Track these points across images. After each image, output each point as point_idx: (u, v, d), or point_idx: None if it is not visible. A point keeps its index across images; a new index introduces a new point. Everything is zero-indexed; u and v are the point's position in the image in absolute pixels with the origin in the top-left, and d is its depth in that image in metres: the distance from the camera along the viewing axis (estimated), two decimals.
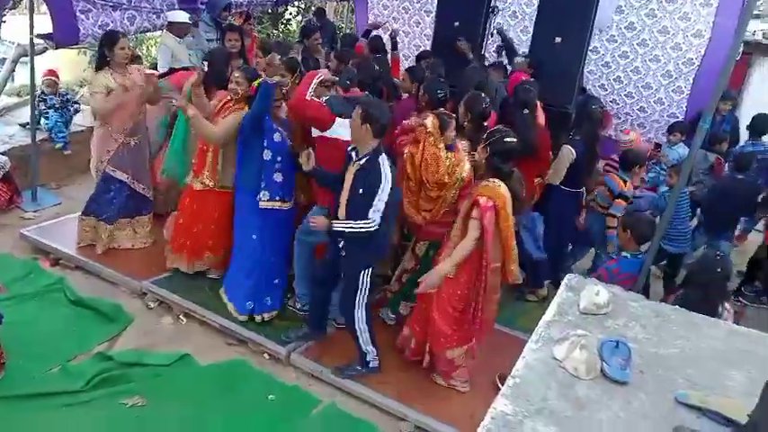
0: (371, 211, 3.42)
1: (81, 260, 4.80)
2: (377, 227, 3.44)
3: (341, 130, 3.81)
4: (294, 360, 4.00)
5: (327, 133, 3.91)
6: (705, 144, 5.89)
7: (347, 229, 3.50)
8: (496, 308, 3.68)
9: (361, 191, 3.46)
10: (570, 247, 5.15)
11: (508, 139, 3.39)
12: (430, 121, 3.77)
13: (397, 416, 3.65)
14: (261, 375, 3.88)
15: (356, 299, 3.71)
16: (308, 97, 3.85)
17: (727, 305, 3.22)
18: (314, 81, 3.90)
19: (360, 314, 3.75)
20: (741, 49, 3.89)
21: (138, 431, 3.36)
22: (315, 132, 4.02)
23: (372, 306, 3.93)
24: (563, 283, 2.45)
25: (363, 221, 3.44)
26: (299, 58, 4.98)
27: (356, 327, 3.78)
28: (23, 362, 3.67)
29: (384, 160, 3.48)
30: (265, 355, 4.06)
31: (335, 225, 3.52)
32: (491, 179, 3.39)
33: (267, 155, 4.04)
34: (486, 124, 4.06)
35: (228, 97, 4.29)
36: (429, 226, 3.95)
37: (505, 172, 3.41)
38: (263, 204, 4.10)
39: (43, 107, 6.19)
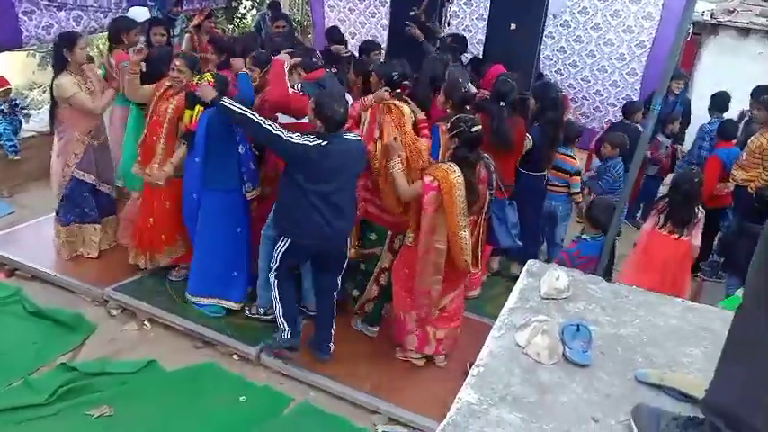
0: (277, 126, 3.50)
1: (38, 270, 4.66)
2: (268, 128, 3.47)
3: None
4: (264, 360, 3.97)
5: (305, 119, 3.84)
6: (657, 127, 6.05)
7: (234, 108, 3.53)
8: (439, 288, 3.63)
9: None
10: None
11: (475, 129, 3.42)
12: (407, 108, 3.85)
13: (370, 409, 3.66)
14: (231, 377, 3.85)
15: (270, 267, 3.78)
16: (290, 91, 3.81)
17: (700, 207, 4.06)
18: (285, 71, 3.87)
19: (273, 283, 3.80)
20: (690, 30, 3.99)
21: None
22: (286, 119, 3.95)
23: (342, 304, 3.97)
24: (524, 269, 2.48)
25: (260, 117, 3.53)
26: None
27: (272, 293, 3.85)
28: None
29: (318, 143, 3.46)
30: (234, 356, 4.02)
31: (225, 100, 3.57)
32: (448, 162, 3.43)
33: (242, 149, 4.06)
34: (468, 108, 4.12)
35: (168, 84, 4.24)
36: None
37: (470, 161, 3.43)
38: (249, 196, 4.17)
39: None
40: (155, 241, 4.51)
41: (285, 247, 3.69)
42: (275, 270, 3.77)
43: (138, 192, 4.83)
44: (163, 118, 4.18)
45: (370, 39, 7.25)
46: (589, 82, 6.96)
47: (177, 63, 4.13)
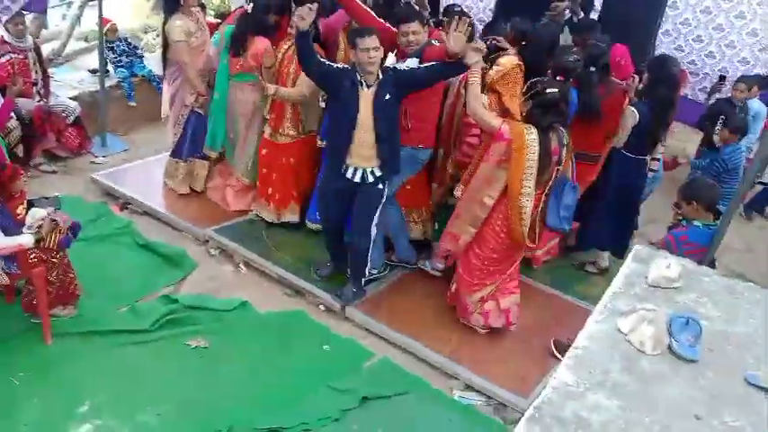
0: None
1: (147, 206, 4.98)
2: None
3: None
4: (349, 313, 4.07)
5: None
6: None
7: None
8: (468, 239, 3.65)
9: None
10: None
11: (550, 90, 3.32)
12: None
13: (449, 374, 3.69)
14: (317, 326, 3.98)
15: (374, 217, 3.88)
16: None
17: None
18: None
19: (374, 233, 3.94)
20: None
21: (201, 371, 3.53)
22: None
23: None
24: (631, 253, 2.38)
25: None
26: None
27: (369, 249, 3.98)
28: (95, 301, 3.87)
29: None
30: (321, 306, 4.15)
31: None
32: (525, 124, 3.39)
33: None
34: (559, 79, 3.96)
35: (287, 46, 4.32)
36: None
37: (543, 126, 3.33)
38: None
39: (112, 55, 6.32)
40: (284, 197, 4.69)
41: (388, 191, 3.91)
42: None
43: (215, 152, 4.99)
44: (287, 79, 4.32)
45: None
46: (714, 58, 6.42)
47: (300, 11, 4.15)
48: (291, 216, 4.75)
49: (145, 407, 3.21)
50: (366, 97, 3.61)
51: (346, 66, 3.76)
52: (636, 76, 4.40)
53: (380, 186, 3.84)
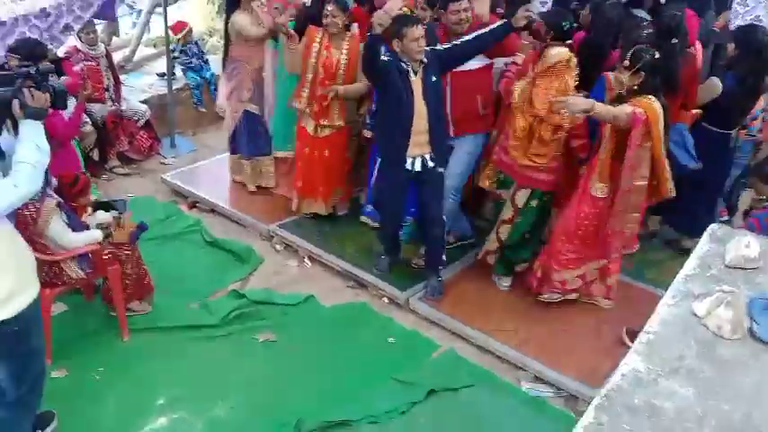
0: None
1: (215, 204, 5.13)
2: None
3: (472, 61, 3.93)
4: (413, 305, 4.05)
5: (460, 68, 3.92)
6: None
7: None
8: (635, 226, 3.70)
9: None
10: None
11: (657, 55, 3.41)
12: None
13: (517, 365, 3.61)
14: (381, 318, 3.99)
15: (443, 201, 3.99)
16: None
17: None
18: None
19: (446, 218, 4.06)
20: None
21: (270, 365, 3.60)
22: None
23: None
24: (706, 233, 2.24)
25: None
26: None
27: (444, 235, 4.10)
28: (168, 298, 4.00)
29: None
30: (384, 299, 4.15)
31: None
32: (644, 96, 3.38)
33: None
34: None
35: (321, 33, 4.35)
36: (533, 172, 3.78)
37: (659, 87, 3.43)
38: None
39: (184, 58, 6.57)
40: (331, 187, 4.77)
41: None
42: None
43: (283, 152, 5.04)
44: (336, 70, 4.34)
45: None
46: None
47: (330, 9, 4.23)
48: (318, 208, 4.77)
49: (217, 400, 3.29)
50: (416, 84, 3.64)
51: (389, 57, 3.69)
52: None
53: (441, 170, 3.88)
